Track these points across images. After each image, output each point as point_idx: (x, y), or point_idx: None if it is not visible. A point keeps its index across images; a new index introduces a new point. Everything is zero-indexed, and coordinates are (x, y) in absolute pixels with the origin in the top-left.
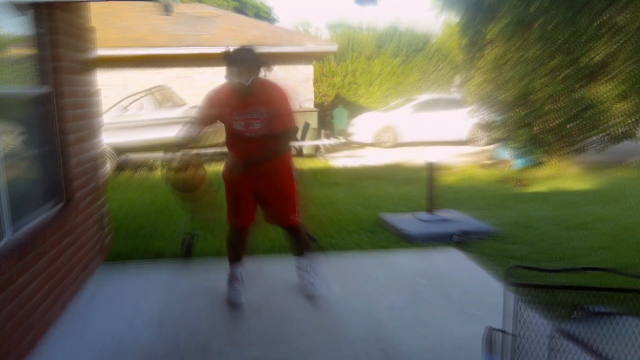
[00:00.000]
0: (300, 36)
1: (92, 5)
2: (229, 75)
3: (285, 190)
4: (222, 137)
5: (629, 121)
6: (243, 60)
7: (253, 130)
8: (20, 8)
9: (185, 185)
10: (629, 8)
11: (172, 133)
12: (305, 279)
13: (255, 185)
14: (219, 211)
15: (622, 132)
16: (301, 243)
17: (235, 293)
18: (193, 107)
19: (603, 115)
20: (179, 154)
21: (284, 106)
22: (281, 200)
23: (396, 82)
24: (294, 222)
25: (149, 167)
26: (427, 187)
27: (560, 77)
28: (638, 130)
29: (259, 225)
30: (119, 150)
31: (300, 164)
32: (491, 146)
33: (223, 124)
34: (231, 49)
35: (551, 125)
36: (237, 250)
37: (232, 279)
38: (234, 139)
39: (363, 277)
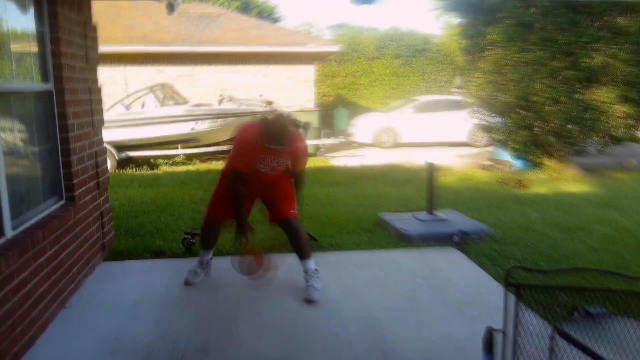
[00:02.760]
0: (302, 36)
1: (96, 3)
2: (267, 142)
3: (283, 191)
4: (222, 136)
5: (629, 123)
6: (282, 138)
7: (272, 171)
8: (22, 5)
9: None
10: (629, 11)
11: (173, 131)
12: (309, 282)
13: (252, 190)
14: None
15: (621, 134)
16: (303, 244)
17: (192, 274)
18: (195, 105)
19: (603, 117)
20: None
21: (304, 154)
22: (280, 198)
23: (397, 83)
24: (294, 215)
25: (151, 165)
26: (426, 187)
27: (561, 79)
28: (637, 133)
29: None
30: (121, 148)
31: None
32: (491, 147)
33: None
34: (265, 115)
35: (551, 126)
36: (209, 239)
37: (199, 263)
38: (250, 173)
39: (362, 277)
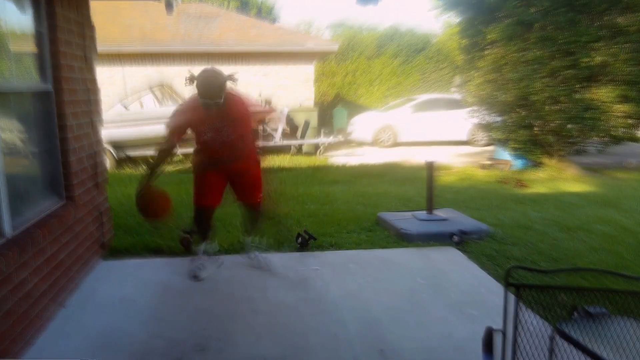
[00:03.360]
0: (302, 36)
1: (94, 3)
2: (201, 96)
3: (252, 176)
4: None
5: (629, 123)
6: (213, 87)
7: (221, 137)
8: (21, 5)
9: (150, 212)
10: (629, 10)
11: None
12: (252, 255)
13: (224, 172)
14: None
15: (621, 134)
16: (257, 224)
17: (199, 267)
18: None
19: (603, 117)
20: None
21: (246, 113)
22: (249, 183)
23: (396, 82)
24: (259, 201)
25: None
26: (426, 186)
27: (561, 78)
28: (637, 132)
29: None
30: (119, 147)
31: (274, 162)
32: (491, 147)
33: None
34: (194, 72)
35: (551, 126)
36: (204, 228)
37: (204, 256)
38: (203, 145)
39: (362, 277)
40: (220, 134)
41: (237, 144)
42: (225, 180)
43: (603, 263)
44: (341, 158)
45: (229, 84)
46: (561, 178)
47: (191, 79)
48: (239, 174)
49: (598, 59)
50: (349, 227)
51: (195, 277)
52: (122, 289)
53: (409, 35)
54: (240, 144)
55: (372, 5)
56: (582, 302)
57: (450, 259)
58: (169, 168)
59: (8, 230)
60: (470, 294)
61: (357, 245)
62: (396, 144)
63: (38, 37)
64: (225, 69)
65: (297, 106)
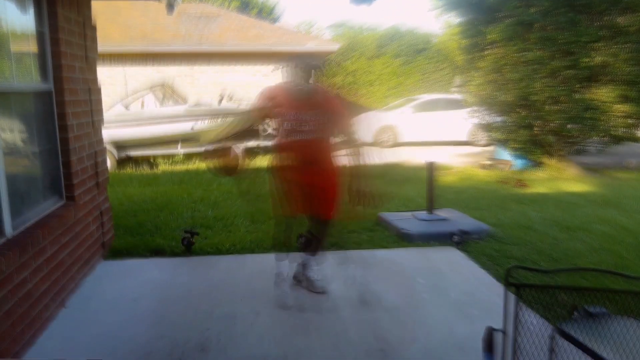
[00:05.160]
0: (302, 36)
1: (95, 3)
2: (294, 78)
3: (329, 187)
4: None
5: (629, 123)
6: (311, 66)
7: (303, 129)
8: (22, 5)
9: (226, 168)
10: (629, 10)
11: (173, 130)
12: (311, 276)
13: (304, 180)
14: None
15: (622, 134)
16: (322, 242)
17: (283, 295)
18: (194, 104)
19: (603, 117)
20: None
21: (339, 108)
22: (326, 196)
23: (397, 82)
24: (331, 217)
25: (150, 164)
26: (427, 186)
27: (561, 78)
28: (638, 132)
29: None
30: (120, 147)
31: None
32: (491, 147)
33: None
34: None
35: (551, 126)
36: (283, 244)
37: (279, 280)
38: (285, 138)
39: (362, 276)
40: (302, 125)
41: (317, 143)
42: (300, 191)
43: (603, 263)
44: (341, 159)
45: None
46: (561, 178)
47: (299, 58)
48: (314, 182)
49: (598, 59)
50: (349, 227)
51: (282, 307)
52: (123, 289)
53: (409, 36)
54: (319, 145)
55: (366, 5)
56: (582, 301)
57: (451, 259)
58: (169, 168)
59: (8, 230)
60: (470, 293)
61: (358, 245)
62: (397, 144)
63: (39, 37)
64: (225, 69)
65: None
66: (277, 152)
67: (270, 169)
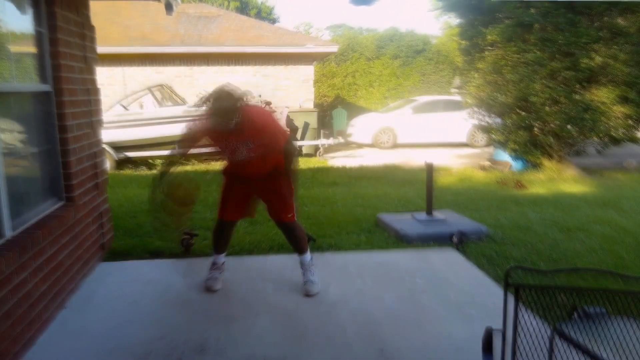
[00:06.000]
0: (301, 37)
1: (94, 3)
2: (212, 118)
3: (281, 192)
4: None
5: (628, 124)
6: (226, 111)
7: (238, 157)
8: (20, 6)
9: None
10: (628, 11)
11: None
12: (305, 277)
13: (252, 187)
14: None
15: (621, 135)
16: (298, 241)
17: (213, 280)
18: (193, 105)
19: (602, 118)
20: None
21: (271, 130)
22: (277, 200)
23: (396, 83)
24: (290, 219)
25: (149, 165)
26: (425, 188)
27: (560, 79)
28: (637, 133)
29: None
30: (119, 148)
31: (298, 163)
32: (490, 148)
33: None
34: (206, 95)
35: (550, 127)
36: (221, 241)
37: (213, 266)
38: (226, 159)
39: (361, 278)
40: (236, 154)
41: (258, 164)
42: (249, 195)
43: (602, 263)
44: (341, 160)
45: (243, 101)
46: (560, 179)
47: (205, 100)
48: (265, 192)
49: (597, 59)
50: (348, 228)
51: (209, 290)
52: (122, 290)
53: (408, 37)
54: (261, 163)
55: (366, 6)
56: (581, 302)
57: (450, 260)
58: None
59: (8, 230)
60: (469, 294)
61: (357, 247)
62: (396, 146)
63: (38, 38)
64: (225, 69)
65: (297, 107)
66: (225, 167)
67: (222, 176)
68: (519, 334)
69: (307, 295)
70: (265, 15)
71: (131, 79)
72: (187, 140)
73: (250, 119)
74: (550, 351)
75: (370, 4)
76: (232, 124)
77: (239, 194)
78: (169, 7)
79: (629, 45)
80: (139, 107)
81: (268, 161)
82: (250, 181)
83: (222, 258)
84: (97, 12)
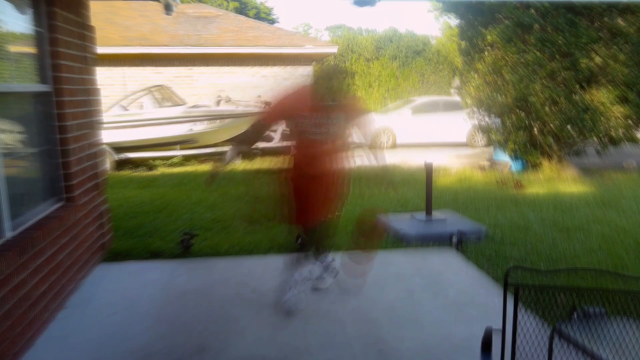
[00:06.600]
0: (300, 38)
1: (93, 4)
2: (319, 90)
3: (335, 190)
4: (219, 137)
5: (628, 124)
6: (338, 87)
7: (323, 133)
8: (20, 6)
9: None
10: (628, 12)
11: (171, 132)
12: (320, 274)
13: (317, 184)
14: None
15: (620, 135)
16: (329, 238)
17: (321, 281)
18: (192, 106)
19: (601, 118)
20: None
21: (357, 110)
22: (337, 198)
23: (395, 84)
24: (337, 217)
25: (148, 165)
26: (425, 188)
27: (559, 79)
28: (636, 133)
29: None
30: (119, 149)
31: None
32: (489, 148)
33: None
34: (327, 64)
35: (550, 127)
36: (306, 250)
37: (321, 267)
38: (303, 141)
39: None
40: (322, 129)
41: (330, 151)
42: (319, 194)
43: (601, 263)
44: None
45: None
46: (560, 179)
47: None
48: (323, 186)
49: (597, 60)
50: (347, 228)
51: (315, 289)
52: (122, 291)
53: (407, 38)
54: (333, 152)
55: (369, 7)
56: (580, 302)
57: (449, 260)
58: (167, 170)
59: (7, 231)
60: (469, 294)
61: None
62: (395, 146)
63: (37, 38)
64: (224, 70)
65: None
66: (291, 155)
67: (281, 174)
68: (518, 334)
69: (315, 288)
70: (264, 16)
71: (130, 80)
72: (262, 125)
73: (346, 101)
74: (550, 351)
75: (373, 4)
76: (327, 102)
77: (313, 195)
78: (168, 8)
79: (629, 45)
80: (138, 108)
81: (338, 148)
82: (314, 178)
83: (328, 257)
84: (97, 13)
